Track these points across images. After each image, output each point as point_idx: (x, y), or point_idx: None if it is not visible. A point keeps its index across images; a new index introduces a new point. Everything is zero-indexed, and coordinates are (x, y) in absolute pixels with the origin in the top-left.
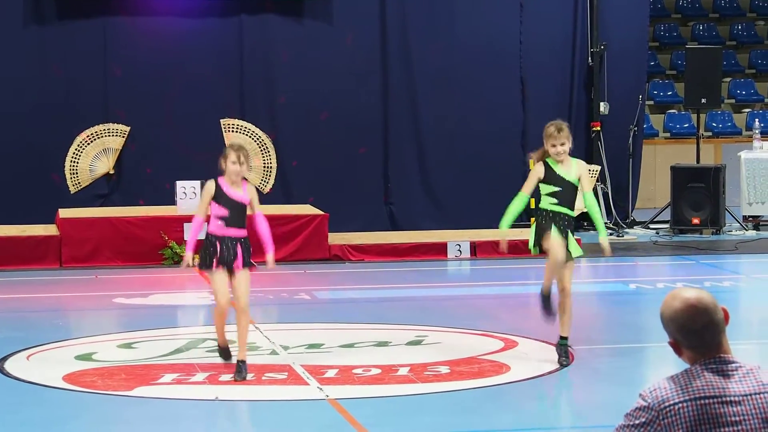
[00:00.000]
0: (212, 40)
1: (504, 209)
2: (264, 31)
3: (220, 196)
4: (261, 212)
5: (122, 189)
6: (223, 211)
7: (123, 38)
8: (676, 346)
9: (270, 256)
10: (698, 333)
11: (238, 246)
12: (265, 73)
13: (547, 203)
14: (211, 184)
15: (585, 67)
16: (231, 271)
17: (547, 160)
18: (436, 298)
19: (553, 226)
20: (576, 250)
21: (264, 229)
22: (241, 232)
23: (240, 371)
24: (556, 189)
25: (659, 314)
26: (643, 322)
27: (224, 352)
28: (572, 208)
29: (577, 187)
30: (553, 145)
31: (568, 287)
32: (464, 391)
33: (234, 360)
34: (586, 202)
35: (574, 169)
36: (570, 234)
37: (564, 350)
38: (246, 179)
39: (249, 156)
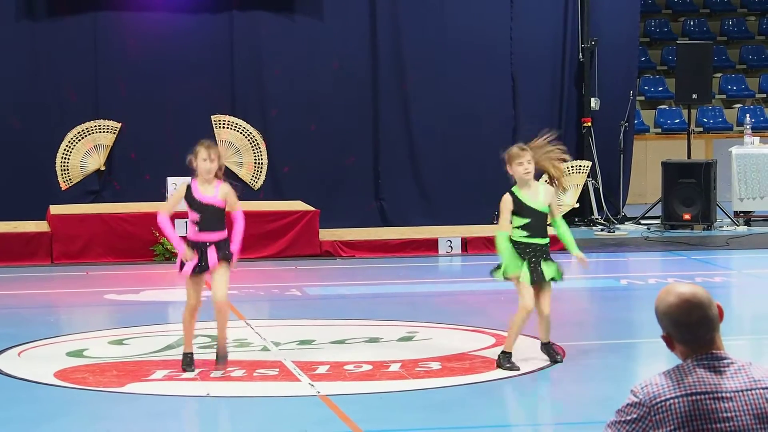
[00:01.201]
0: (203, 35)
1: (494, 205)
2: (255, 28)
3: (191, 201)
4: (240, 211)
5: (113, 185)
6: (195, 216)
7: (114, 34)
8: (669, 341)
9: (234, 251)
10: (692, 328)
11: (212, 249)
12: (255, 69)
13: (518, 236)
14: (182, 187)
15: (576, 63)
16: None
17: (513, 190)
18: (427, 294)
19: (524, 265)
20: (550, 272)
21: (238, 229)
22: (215, 236)
23: (219, 360)
24: (527, 221)
25: (654, 308)
26: (634, 317)
27: (188, 358)
28: (544, 236)
29: (546, 215)
30: (520, 164)
31: (546, 312)
32: (455, 387)
33: (195, 369)
34: (557, 229)
35: (541, 196)
36: (544, 260)
37: (551, 350)
38: (219, 177)
39: (220, 153)
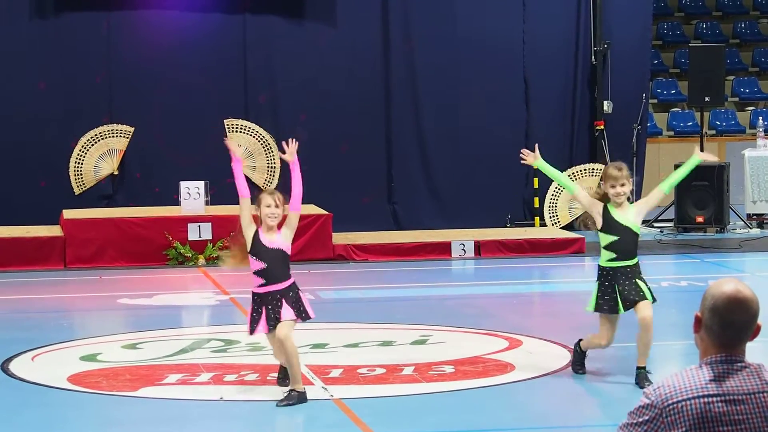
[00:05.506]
0: (216, 39)
1: (507, 208)
2: (267, 32)
3: (255, 245)
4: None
5: (126, 190)
6: (260, 265)
7: (126, 36)
8: (699, 322)
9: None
10: (724, 325)
11: (283, 301)
12: (268, 74)
13: (606, 259)
14: (253, 228)
15: (588, 66)
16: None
17: (607, 204)
18: (441, 297)
19: (611, 303)
20: (648, 295)
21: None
22: (283, 285)
23: (287, 397)
24: (615, 238)
25: (708, 286)
26: None
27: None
28: (633, 257)
29: (636, 234)
30: (613, 186)
31: (650, 317)
32: (469, 390)
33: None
34: (668, 186)
35: (631, 213)
36: (637, 280)
37: (645, 375)
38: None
39: (284, 200)
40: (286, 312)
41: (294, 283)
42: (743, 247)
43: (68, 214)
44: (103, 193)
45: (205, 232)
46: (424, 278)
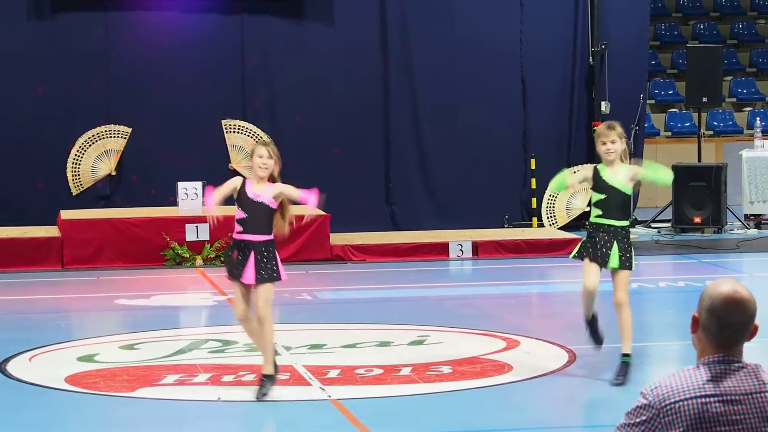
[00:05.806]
0: (214, 39)
1: (505, 209)
2: (265, 32)
3: (241, 196)
4: (311, 192)
5: (124, 190)
6: (241, 214)
7: (124, 36)
8: (696, 323)
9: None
10: (721, 325)
11: (251, 255)
12: (266, 74)
13: (594, 215)
14: (237, 179)
15: (586, 67)
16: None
17: (597, 166)
18: (438, 297)
19: (590, 249)
20: (614, 262)
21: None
22: (258, 238)
23: (262, 386)
24: (601, 197)
25: (706, 286)
26: (644, 321)
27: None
28: (620, 218)
29: (625, 194)
30: (603, 143)
31: (620, 299)
32: (466, 390)
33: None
34: (649, 174)
35: (621, 174)
36: (615, 244)
37: (625, 369)
38: (274, 180)
39: (278, 154)
40: (248, 273)
41: (272, 241)
42: (740, 247)
43: (66, 214)
44: (101, 193)
45: (203, 232)
46: (422, 279)
